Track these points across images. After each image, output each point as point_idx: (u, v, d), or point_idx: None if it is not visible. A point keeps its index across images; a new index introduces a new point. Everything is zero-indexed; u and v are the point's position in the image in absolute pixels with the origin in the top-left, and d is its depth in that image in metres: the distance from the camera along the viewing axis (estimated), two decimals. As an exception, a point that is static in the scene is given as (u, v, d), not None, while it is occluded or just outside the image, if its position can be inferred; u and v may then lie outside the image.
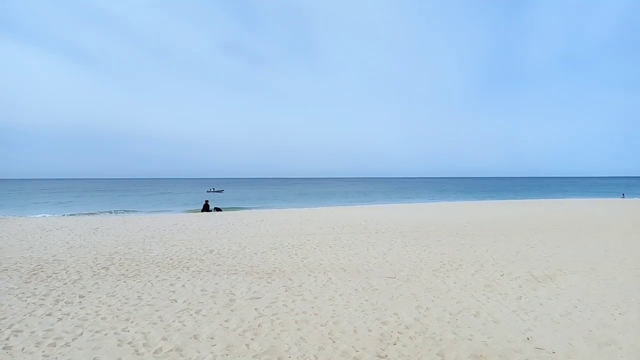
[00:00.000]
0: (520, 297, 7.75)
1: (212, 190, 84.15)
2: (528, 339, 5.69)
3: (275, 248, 13.36)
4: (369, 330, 6.10)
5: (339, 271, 10.08)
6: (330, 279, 9.32)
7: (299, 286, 8.68)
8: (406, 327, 6.21)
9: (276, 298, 7.81)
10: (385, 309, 7.10)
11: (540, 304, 7.29)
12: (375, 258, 11.63)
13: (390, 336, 5.87)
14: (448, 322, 6.43)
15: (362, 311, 7.01)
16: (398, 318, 6.64)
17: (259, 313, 6.94)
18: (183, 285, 8.75)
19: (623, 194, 58.41)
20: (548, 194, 73.98)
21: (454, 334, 5.93)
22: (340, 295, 7.99)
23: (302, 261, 11.28)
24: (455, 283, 8.83)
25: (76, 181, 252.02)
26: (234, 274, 9.85)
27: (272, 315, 6.84)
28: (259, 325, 6.35)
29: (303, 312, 6.99)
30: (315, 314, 6.87)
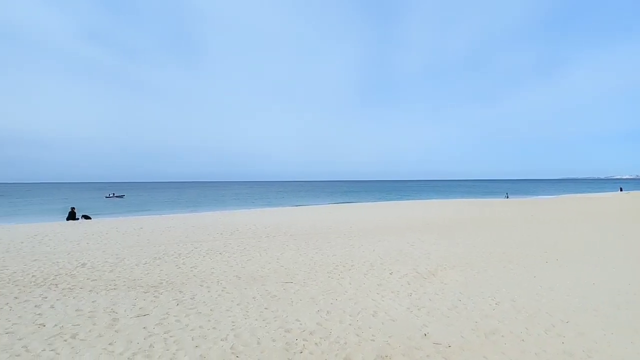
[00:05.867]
0: (411, 294, 8.24)
1: (111, 195, 76.94)
2: (425, 334, 6.03)
3: (160, 258, 12.33)
4: (273, 340, 5.89)
5: (233, 279, 9.67)
6: (224, 288, 8.88)
7: (191, 298, 8.08)
8: (310, 333, 6.14)
9: (167, 314, 7.15)
10: (287, 316, 6.96)
11: (430, 299, 7.83)
12: (269, 263, 11.43)
13: (296, 344, 5.74)
14: (350, 324, 6.53)
15: (263, 320, 6.77)
16: (301, 324, 6.55)
17: (148, 332, 6.27)
18: (52, 306, 7.56)
19: (507, 194, 67.13)
20: (415, 195, 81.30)
21: (357, 335, 6.03)
22: (237, 305, 7.64)
23: (192, 271, 10.58)
24: (350, 284, 9.07)
25: None
26: (114, 289, 8.83)
27: (165, 333, 6.22)
28: (150, 346, 5.72)
29: (199, 326, 6.49)
30: (214, 328, 6.43)
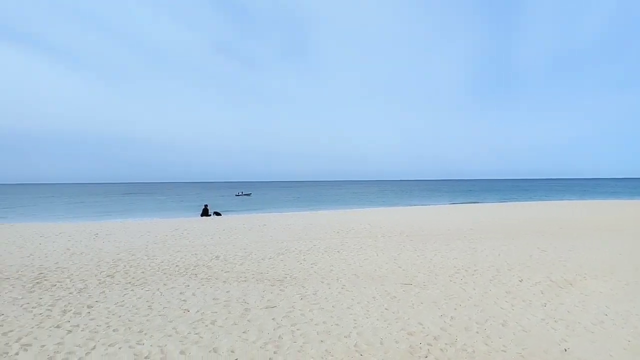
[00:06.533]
0: (545, 304, 7.51)
1: (240, 193, 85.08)
2: (565, 350, 5.45)
3: (283, 253, 13.07)
4: (396, 342, 5.84)
5: (351, 277, 9.81)
6: (344, 286, 9.05)
7: (313, 294, 8.40)
8: (434, 338, 5.96)
9: (292, 307, 7.53)
10: (409, 318, 6.84)
11: (568, 311, 7.06)
12: (387, 263, 11.37)
13: (420, 348, 5.61)
14: (477, 332, 6.19)
15: (385, 321, 6.74)
16: (424, 328, 6.39)
17: (277, 323, 6.67)
18: (193, 294, 8.47)
19: None
20: (544, 195, 73.82)
21: (486, 345, 5.68)
22: (358, 303, 7.72)
23: (312, 267, 11.00)
24: (474, 290, 8.58)
25: (73, 186, 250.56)
26: (244, 281, 9.58)
27: (291, 326, 6.56)
28: (279, 337, 6.08)
29: (323, 322, 6.71)
30: (336, 324, 6.60)
